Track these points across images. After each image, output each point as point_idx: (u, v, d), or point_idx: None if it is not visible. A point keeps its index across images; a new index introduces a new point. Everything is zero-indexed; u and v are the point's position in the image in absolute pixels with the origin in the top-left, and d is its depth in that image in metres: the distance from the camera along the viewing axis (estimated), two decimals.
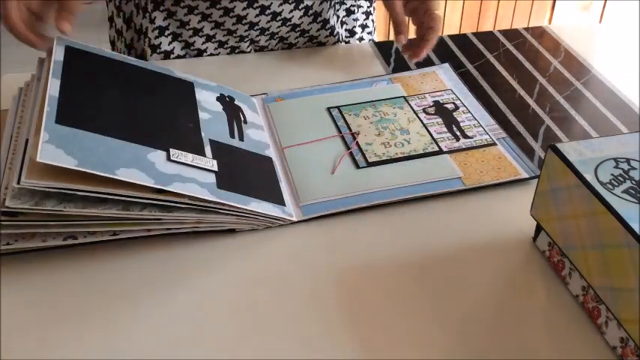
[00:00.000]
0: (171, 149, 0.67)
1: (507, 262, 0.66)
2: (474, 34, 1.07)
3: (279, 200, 0.70)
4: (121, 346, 0.57)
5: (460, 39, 1.06)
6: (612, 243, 0.54)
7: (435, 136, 0.81)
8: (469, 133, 0.82)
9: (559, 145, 0.60)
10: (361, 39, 1.08)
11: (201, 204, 0.64)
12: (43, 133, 0.61)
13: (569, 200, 0.59)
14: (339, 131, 0.82)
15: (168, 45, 0.99)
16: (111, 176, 0.60)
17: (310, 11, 1.00)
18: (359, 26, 1.07)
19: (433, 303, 0.61)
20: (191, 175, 0.65)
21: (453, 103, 0.87)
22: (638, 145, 0.60)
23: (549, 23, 2.61)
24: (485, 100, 0.90)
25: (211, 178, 0.67)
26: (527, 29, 1.08)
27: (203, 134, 0.73)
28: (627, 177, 0.57)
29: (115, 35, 1.06)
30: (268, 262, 0.65)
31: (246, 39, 1.00)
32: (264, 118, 0.84)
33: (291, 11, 0.98)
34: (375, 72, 0.96)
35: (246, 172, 0.72)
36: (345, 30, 1.07)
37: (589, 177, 0.57)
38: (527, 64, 0.99)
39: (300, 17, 0.99)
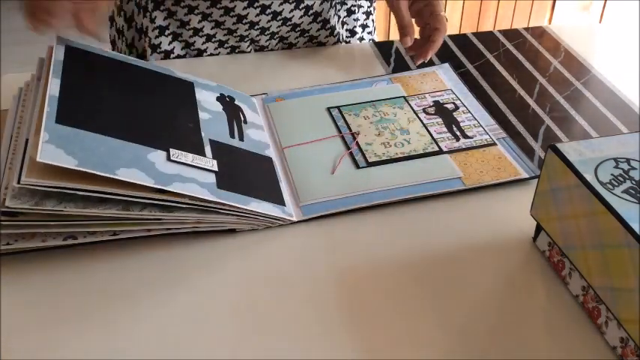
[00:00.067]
0: (171, 149, 0.67)
1: (507, 262, 0.66)
2: (474, 34, 1.07)
3: (279, 200, 0.70)
4: (121, 346, 0.57)
5: (460, 39, 1.06)
6: (612, 243, 0.54)
7: (435, 136, 0.81)
8: (469, 133, 0.82)
9: (559, 145, 0.60)
10: (361, 39, 1.09)
11: (202, 204, 0.64)
12: (43, 133, 0.61)
13: (569, 200, 0.59)
14: (339, 131, 0.82)
15: (169, 45, 0.99)
16: (111, 176, 0.60)
17: (310, 11, 1.00)
18: (359, 26, 1.07)
19: (433, 303, 0.61)
20: (191, 175, 0.65)
21: (453, 103, 0.87)
22: (638, 145, 0.60)
23: (549, 23, 2.61)
24: (485, 100, 0.90)
25: (211, 178, 0.67)
26: (527, 29, 1.08)
27: (203, 134, 0.73)
28: (627, 177, 0.57)
29: (116, 34, 1.06)
30: (268, 262, 0.65)
31: (247, 39, 1.00)
32: (264, 118, 0.84)
33: (292, 11, 0.98)
34: (375, 72, 0.96)
35: (246, 172, 0.72)
36: (346, 30, 1.07)
37: (589, 177, 0.57)
38: (527, 64, 0.99)
39: (301, 17, 1.00)
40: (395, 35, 1.03)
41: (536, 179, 0.65)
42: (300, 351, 0.57)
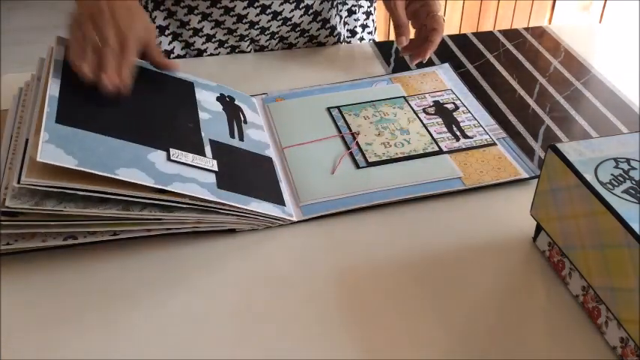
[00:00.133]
0: (171, 149, 0.67)
1: (507, 262, 0.66)
2: (474, 34, 1.07)
3: (279, 200, 0.70)
4: (121, 346, 0.57)
5: (460, 39, 1.06)
6: (612, 243, 0.54)
7: (435, 136, 0.81)
8: (469, 133, 0.82)
9: (559, 145, 0.60)
10: (361, 39, 1.09)
11: (202, 204, 0.64)
12: (43, 133, 0.61)
13: (569, 200, 0.59)
14: (339, 131, 0.82)
15: (169, 45, 0.99)
16: (111, 176, 0.60)
17: (310, 10, 1.00)
18: (359, 26, 1.07)
19: (433, 303, 0.61)
20: (191, 175, 0.65)
21: (453, 103, 0.87)
22: (638, 145, 0.60)
23: (549, 23, 2.61)
24: (485, 100, 0.90)
25: (211, 178, 0.67)
26: (527, 29, 1.08)
27: (203, 134, 0.73)
28: (627, 177, 0.57)
29: None
30: (268, 262, 0.65)
31: (247, 38, 1.00)
32: (264, 118, 0.84)
33: (292, 11, 0.98)
34: (375, 72, 0.96)
35: (246, 172, 0.72)
36: (347, 30, 1.07)
37: (589, 177, 0.57)
38: (527, 64, 0.99)
39: (301, 16, 1.00)
40: None
41: (536, 179, 0.65)
42: (300, 351, 0.57)
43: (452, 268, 0.65)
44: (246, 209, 0.66)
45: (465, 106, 0.87)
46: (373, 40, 1.10)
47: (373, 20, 1.10)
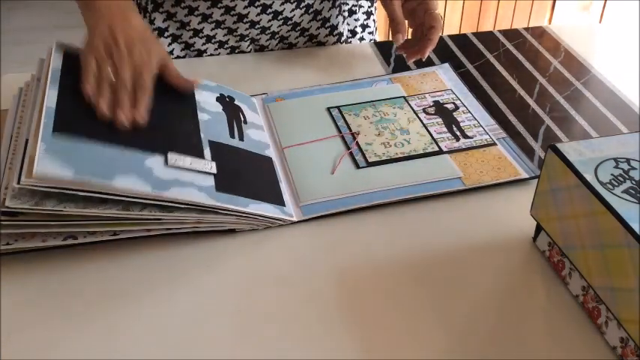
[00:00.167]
0: (169, 153, 0.67)
1: (507, 262, 0.66)
2: (474, 34, 1.07)
3: (279, 200, 0.70)
4: (120, 346, 0.57)
5: (460, 39, 1.06)
6: (612, 243, 0.54)
7: (435, 136, 0.81)
8: (469, 133, 0.82)
9: (559, 145, 0.60)
10: (362, 39, 1.09)
11: (201, 206, 0.64)
12: (40, 144, 0.61)
13: (569, 200, 0.59)
14: (339, 131, 0.82)
15: (168, 46, 0.99)
16: (108, 184, 0.60)
17: (311, 9, 1.00)
18: (360, 26, 1.07)
19: (433, 303, 0.61)
20: (189, 179, 0.65)
21: (453, 103, 0.87)
22: (638, 145, 0.60)
23: (549, 23, 2.61)
24: (485, 100, 0.90)
25: (210, 181, 0.67)
26: (527, 29, 1.08)
27: (202, 135, 0.73)
28: (627, 177, 0.57)
29: None
30: (268, 262, 0.65)
31: (247, 38, 1.00)
32: (264, 118, 0.84)
33: (292, 10, 0.98)
34: (375, 72, 0.96)
35: (246, 172, 0.72)
36: (348, 30, 1.07)
37: (589, 177, 0.57)
38: (527, 64, 0.99)
39: (301, 15, 1.00)
40: None
41: (536, 179, 0.65)
42: (301, 351, 0.57)
43: (452, 268, 0.65)
44: (245, 211, 0.66)
45: (465, 106, 0.87)
46: (374, 40, 1.10)
47: (374, 20, 1.10)
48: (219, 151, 0.72)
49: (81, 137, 0.64)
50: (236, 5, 0.95)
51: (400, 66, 0.97)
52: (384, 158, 0.77)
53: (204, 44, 0.99)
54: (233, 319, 0.59)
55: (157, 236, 0.65)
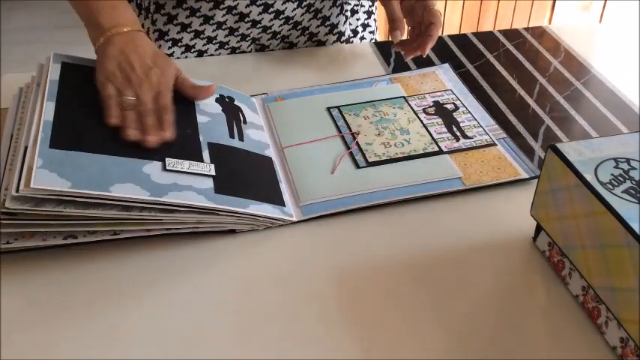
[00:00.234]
0: (167, 159, 0.67)
1: (507, 262, 0.66)
2: (474, 34, 1.07)
3: (278, 201, 0.70)
4: (121, 346, 0.57)
5: (460, 39, 1.06)
6: (612, 243, 0.54)
7: (435, 136, 0.81)
8: (469, 134, 0.82)
9: (559, 145, 0.60)
10: (362, 38, 1.09)
11: (200, 208, 0.64)
12: (37, 159, 0.61)
13: (569, 200, 0.59)
14: (339, 131, 0.82)
15: (168, 49, 0.99)
16: (105, 194, 0.60)
17: (312, 8, 1.00)
18: (360, 25, 1.07)
19: (433, 303, 0.61)
20: (188, 183, 0.65)
21: (453, 104, 0.87)
22: (638, 145, 0.60)
23: (549, 23, 2.61)
24: (485, 100, 0.90)
25: (209, 184, 0.67)
26: (527, 29, 1.08)
27: (202, 138, 0.73)
28: (627, 177, 0.57)
29: None
30: (268, 262, 0.65)
31: (248, 38, 1.00)
32: (264, 118, 0.84)
33: (294, 9, 0.98)
34: (375, 72, 0.96)
35: (246, 172, 0.72)
36: (350, 30, 1.07)
37: (589, 177, 0.57)
38: (527, 64, 0.99)
39: (302, 14, 1.00)
40: None
41: (536, 179, 0.65)
42: (301, 351, 0.57)
43: (452, 268, 0.65)
44: (245, 212, 0.66)
45: (464, 106, 0.87)
46: (375, 40, 1.10)
47: (374, 20, 1.10)
48: (219, 152, 0.72)
49: (77, 150, 0.64)
50: (238, 4, 0.95)
51: (400, 66, 0.97)
52: (384, 158, 0.77)
53: (204, 45, 0.99)
54: (233, 319, 0.59)
55: (157, 236, 0.65)
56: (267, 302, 0.61)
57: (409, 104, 0.87)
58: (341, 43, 1.06)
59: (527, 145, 0.82)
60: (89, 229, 0.63)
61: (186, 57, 1.00)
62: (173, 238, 0.67)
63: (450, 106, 0.87)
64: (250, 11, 0.96)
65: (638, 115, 0.87)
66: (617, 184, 0.56)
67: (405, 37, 0.92)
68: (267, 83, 0.92)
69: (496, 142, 0.81)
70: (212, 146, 0.72)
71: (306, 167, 0.76)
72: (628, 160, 0.59)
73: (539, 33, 1.07)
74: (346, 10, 1.04)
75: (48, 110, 0.67)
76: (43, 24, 2.85)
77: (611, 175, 0.57)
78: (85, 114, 0.70)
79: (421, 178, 0.74)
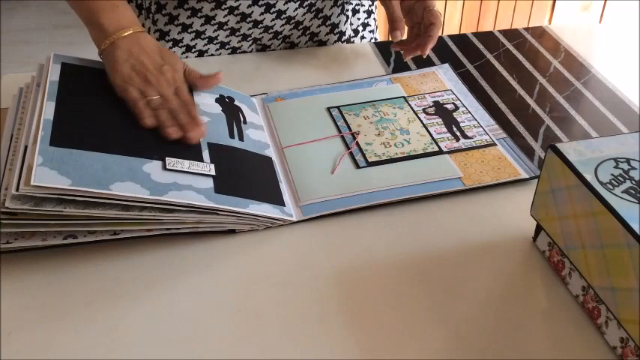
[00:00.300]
0: (167, 158, 0.67)
1: (507, 262, 0.66)
2: (474, 34, 1.07)
3: (278, 201, 0.70)
4: (120, 346, 0.57)
5: (460, 39, 1.06)
6: (612, 243, 0.54)
7: (435, 136, 0.81)
8: (469, 134, 0.82)
9: (559, 145, 0.60)
10: (362, 37, 1.09)
11: (200, 207, 0.64)
12: (37, 156, 0.61)
13: (569, 200, 0.59)
14: (339, 131, 0.82)
15: (169, 49, 0.99)
16: (105, 192, 0.60)
17: (313, 8, 1.00)
18: (361, 25, 1.08)
19: (433, 303, 0.61)
20: (188, 182, 0.65)
21: (453, 104, 0.87)
22: (638, 145, 0.60)
23: (549, 23, 2.61)
24: (485, 100, 0.90)
25: (209, 183, 0.67)
26: (527, 29, 1.08)
27: (201, 138, 0.73)
28: (627, 177, 0.57)
29: None
30: (268, 262, 0.65)
31: (249, 38, 1.00)
32: (264, 118, 0.84)
33: (296, 9, 0.98)
34: (375, 72, 0.96)
35: (246, 172, 0.72)
36: (350, 29, 1.07)
37: (589, 177, 0.57)
38: (527, 64, 0.99)
39: (304, 14, 1.00)
40: None
41: (536, 179, 0.65)
42: (301, 351, 0.57)
43: (452, 268, 0.65)
44: (245, 212, 0.66)
45: (464, 106, 0.87)
46: (375, 38, 1.10)
47: (374, 19, 1.10)
48: (219, 152, 0.72)
49: (78, 149, 0.64)
50: (240, 5, 0.95)
51: (400, 66, 0.97)
52: (384, 158, 0.77)
53: (205, 45, 0.99)
54: (233, 319, 0.59)
55: (156, 236, 0.65)
56: (267, 302, 0.61)
57: (409, 104, 0.87)
58: (342, 42, 1.06)
59: (527, 145, 0.82)
60: (89, 229, 0.63)
61: (186, 57, 1.00)
62: (173, 238, 0.67)
63: (450, 106, 0.87)
64: (252, 11, 0.96)
65: (638, 115, 0.87)
66: (617, 184, 0.56)
67: (404, 37, 0.92)
68: (268, 83, 0.92)
69: (496, 142, 0.81)
70: (212, 146, 0.72)
71: (306, 167, 0.76)
72: (628, 160, 0.59)
73: (539, 33, 1.07)
74: (347, 10, 1.04)
75: (48, 109, 0.68)
76: (43, 24, 2.85)
77: (611, 175, 0.57)
78: (85, 113, 0.70)
79: (421, 178, 0.74)
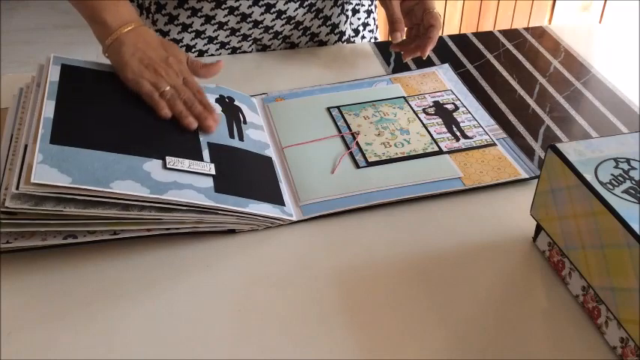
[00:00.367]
0: (167, 157, 0.67)
1: (507, 262, 0.66)
2: (474, 34, 1.07)
3: (278, 200, 0.70)
4: (120, 346, 0.57)
5: (460, 39, 1.06)
6: (612, 243, 0.54)
7: (435, 136, 0.81)
8: (469, 134, 0.82)
9: (559, 145, 0.60)
10: (362, 37, 1.09)
11: (200, 207, 0.64)
12: (37, 154, 0.61)
13: (569, 200, 0.59)
14: (339, 131, 0.82)
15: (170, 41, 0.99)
16: (105, 190, 0.60)
17: (313, 8, 1.00)
18: (361, 24, 1.08)
19: (433, 303, 0.61)
20: (188, 182, 0.65)
21: (453, 104, 0.87)
22: (638, 145, 0.60)
23: (549, 23, 2.61)
24: (485, 100, 0.90)
25: (209, 183, 0.67)
26: (527, 29, 1.08)
27: (201, 138, 0.73)
28: (627, 177, 0.57)
29: None
30: (268, 262, 0.65)
31: (249, 38, 1.00)
32: (264, 118, 0.84)
33: (296, 9, 0.98)
34: (375, 72, 0.96)
35: (246, 172, 0.72)
36: (350, 29, 1.07)
37: (589, 177, 0.57)
38: (527, 64, 0.99)
39: (304, 14, 1.00)
40: None
41: (536, 179, 0.65)
42: (301, 351, 0.57)
43: (452, 268, 0.65)
44: (244, 212, 0.66)
45: (464, 106, 0.87)
46: (375, 38, 1.10)
47: (374, 18, 1.10)
48: (219, 152, 0.72)
49: (78, 147, 0.64)
50: (240, 5, 0.95)
51: (400, 66, 0.97)
52: (384, 158, 0.77)
53: (205, 45, 0.99)
54: (233, 319, 0.59)
55: (156, 236, 0.65)
56: (267, 302, 0.61)
57: (409, 104, 0.87)
58: (342, 42, 1.06)
59: (527, 145, 0.82)
60: (89, 229, 0.63)
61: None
62: (173, 238, 0.67)
63: (450, 106, 0.87)
64: (252, 12, 0.96)
65: (638, 115, 0.87)
66: (617, 184, 0.56)
67: (403, 37, 0.92)
68: (268, 83, 0.92)
69: (496, 142, 0.81)
70: (212, 146, 0.72)
71: (306, 167, 0.76)
72: (628, 160, 0.59)
73: (539, 33, 1.07)
74: (347, 10, 1.04)
75: (48, 108, 0.68)
76: (43, 24, 2.85)
77: (611, 175, 0.57)
78: (85, 112, 0.70)
79: (421, 178, 0.74)
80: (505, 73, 0.97)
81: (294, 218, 0.69)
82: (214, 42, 0.99)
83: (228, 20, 0.97)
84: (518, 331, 0.59)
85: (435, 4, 0.90)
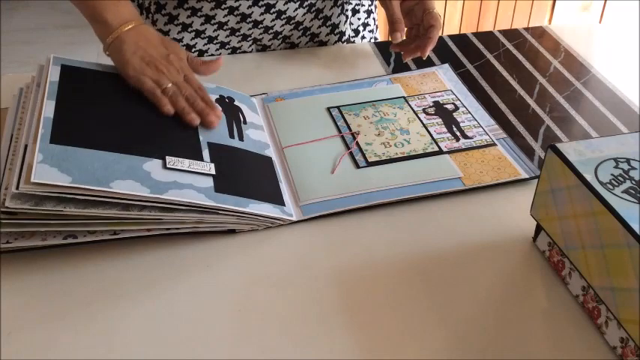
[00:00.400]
0: (167, 157, 0.67)
1: (507, 262, 0.66)
2: (474, 34, 1.07)
3: (278, 200, 0.70)
4: (120, 346, 0.57)
5: (460, 39, 1.06)
6: (612, 243, 0.54)
7: (435, 136, 0.81)
8: (469, 134, 0.82)
9: (559, 145, 0.60)
10: (362, 37, 1.09)
11: (200, 206, 0.64)
12: (37, 154, 0.61)
13: (569, 200, 0.59)
14: (339, 131, 0.82)
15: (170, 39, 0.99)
16: (106, 189, 0.60)
17: (313, 8, 1.00)
18: (361, 24, 1.08)
19: (433, 303, 0.61)
20: (188, 181, 0.65)
21: (453, 104, 0.87)
22: (638, 145, 0.60)
23: (549, 23, 2.61)
24: (485, 100, 0.90)
25: (209, 182, 0.67)
26: (527, 29, 1.08)
27: (201, 138, 0.73)
28: (627, 177, 0.57)
29: None
30: (268, 262, 0.65)
31: (249, 38, 1.00)
32: (264, 118, 0.84)
33: (296, 9, 0.98)
34: (375, 72, 0.96)
35: (246, 172, 0.72)
36: (350, 29, 1.07)
37: (589, 177, 0.57)
38: (527, 64, 0.99)
39: (304, 14, 1.00)
40: None
41: (536, 179, 0.65)
42: (301, 351, 0.57)
43: (452, 268, 0.65)
44: (245, 212, 0.66)
45: (464, 106, 0.87)
46: (375, 38, 1.10)
47: (374, 18, 1.10)
48: (219, 152, 0.72)
49: (78, 146, 0.64)
50: (240, 5, 0.95)
51: (400, 66, 0.97)
52: (384, 158, 0.77)
53: (205, 45, 0.99)
54: (233, 319, 0.59)
55: (156, 236, 0.65)
56: (267, 302, 0.61)
57: (409, 104, 0.87)
58: (342, 43, 1.06)
59: (527, 145, 0.82)
60: (89, 229, 0.63)
61: None
62: (173, 238, 0.67)
63: (450, 106, 0.87)
64: (252, 12, 0.96)
65: (638, 115, 0.87)
66: (617, 184, 0.56)
67: (403, 37, 0.92)
68: (268, 83, 0.92)
69: (496, 142, 0.81)
70: (212, 146, 0.72)
71: (306, 167, 0.76)
72: (628, 160, 0.59)
73: (539, 33, 1.07)
74: (347, 10, 1.04)
75: (48, 108, 0.68)
76: (43, 24, 2.85)
77: (611, 175, 0.57)
78: (85, 112, 0.70)
79: (421, 178, 0.74)
80: (505, 73, 0.97)
81: (294, 218, 0.69)
82: (214, 42, 0.99)
83: (228, 20, 0.97)
84: (518, 331, 0.59)
85: (435, 4, 0.90)
